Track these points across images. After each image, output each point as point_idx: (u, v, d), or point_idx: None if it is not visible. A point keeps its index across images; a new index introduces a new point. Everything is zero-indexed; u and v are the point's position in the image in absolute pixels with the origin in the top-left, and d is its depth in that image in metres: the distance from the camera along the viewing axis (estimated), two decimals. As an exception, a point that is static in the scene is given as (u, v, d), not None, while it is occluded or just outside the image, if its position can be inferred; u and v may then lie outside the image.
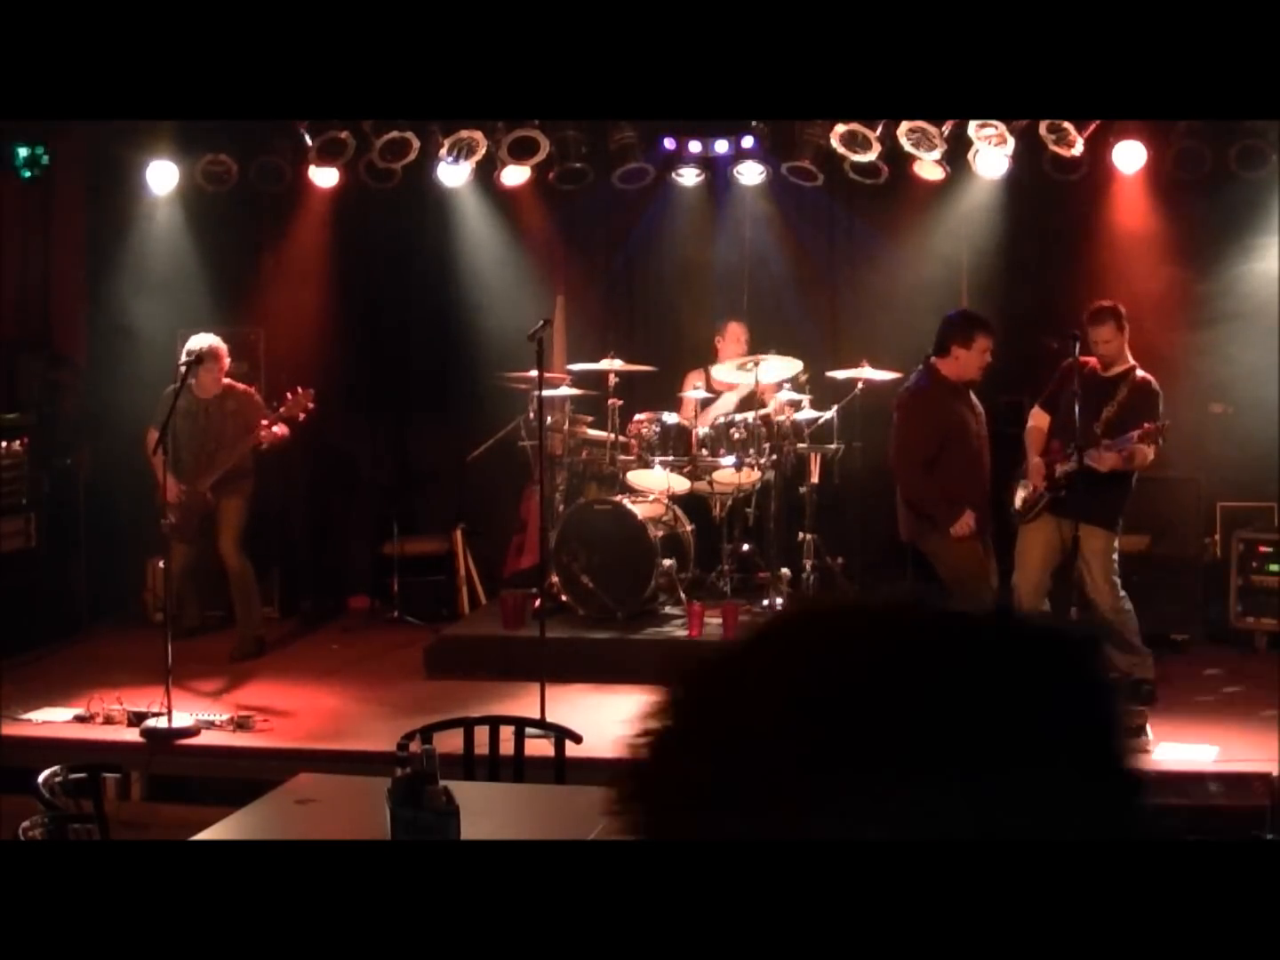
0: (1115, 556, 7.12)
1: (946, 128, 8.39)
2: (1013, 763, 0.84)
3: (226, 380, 8.30)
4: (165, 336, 9.21)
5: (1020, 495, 7.22)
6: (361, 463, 10.11)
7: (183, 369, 7.75)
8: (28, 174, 9.05)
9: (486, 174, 9.08)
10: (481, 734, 4.57)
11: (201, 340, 8.12)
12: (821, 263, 9.45)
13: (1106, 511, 7.00)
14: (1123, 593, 7.15)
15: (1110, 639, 7.22)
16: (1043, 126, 8.21)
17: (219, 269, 9.39)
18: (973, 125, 8.30)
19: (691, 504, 8.69)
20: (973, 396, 7.25)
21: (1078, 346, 6.62)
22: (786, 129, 8.72)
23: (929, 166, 8.63)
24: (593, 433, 8.84)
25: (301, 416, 8.06)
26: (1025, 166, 8.49)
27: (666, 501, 8.51)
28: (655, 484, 8.54)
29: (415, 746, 3.55)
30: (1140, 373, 7.06)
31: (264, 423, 8.06)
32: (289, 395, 8.04)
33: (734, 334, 9.00)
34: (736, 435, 8.39)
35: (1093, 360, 7.05)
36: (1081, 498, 6.64)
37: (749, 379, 8.56)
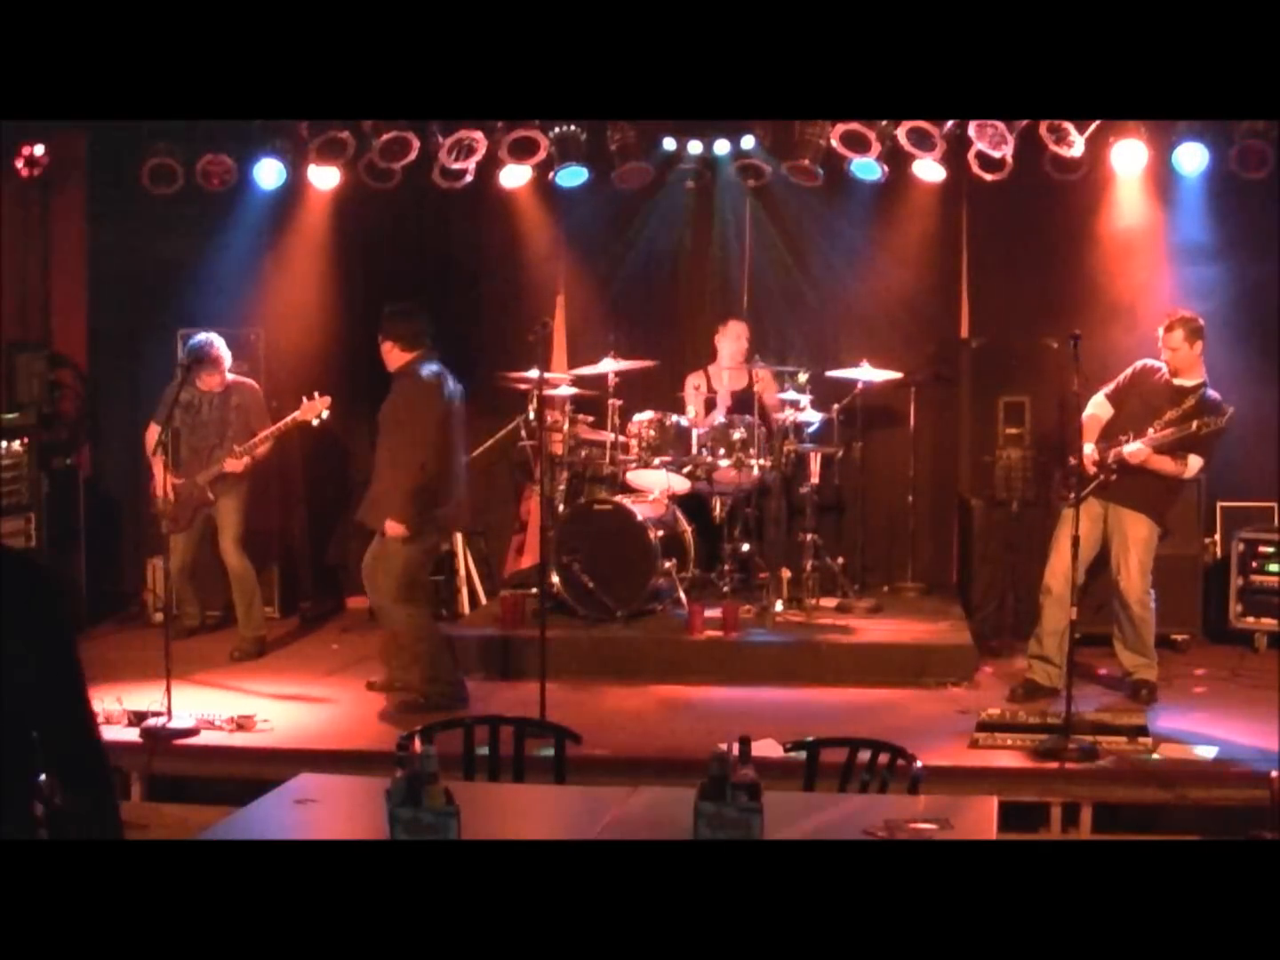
0: (1152, 554, 7.12)
1: (946, 128, 8.39)
2: None
3: (232, 376, 8.33)
4: (165, 336, 9.22)
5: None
6: (361, 462, 10.07)
7: (182, 368, 7.77)
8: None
9: (487, 174, 9.07)
10: (482, 734, 4.57)
11: (201, 339, 8.16)
12: (821, 263, 9.45)
13: (1154, 502, 7.05)
14: (1152, 590, 7.16)
15: (1124, 634, 7.22)
16: (1043, 126, 8.21)
17: (219, 269, 9.39)
18: (973, 125, 8.29)
19: (691, 504, 8.69)
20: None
21: (1077, 346, 6.60)
22: (786, 129, 8.71)
23: (929, 166, 8.63)
24: (593, 433, 8.85)
25: (316, 422, 8.05)
26: (1025, 166, 8.49)
27: (666, 501, 8.51)
28: (655, 484, 8.54)
29: (415, 746, 3.54)
30: (1212, 393, 7.06)
31: (242, 455, 8.12)
32: (305, 400, 8.01)
33: (735, 331, 9.01)
34: (736, 435, 8.39)
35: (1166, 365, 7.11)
36: (1131, 485, 6.68)
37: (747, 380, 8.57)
